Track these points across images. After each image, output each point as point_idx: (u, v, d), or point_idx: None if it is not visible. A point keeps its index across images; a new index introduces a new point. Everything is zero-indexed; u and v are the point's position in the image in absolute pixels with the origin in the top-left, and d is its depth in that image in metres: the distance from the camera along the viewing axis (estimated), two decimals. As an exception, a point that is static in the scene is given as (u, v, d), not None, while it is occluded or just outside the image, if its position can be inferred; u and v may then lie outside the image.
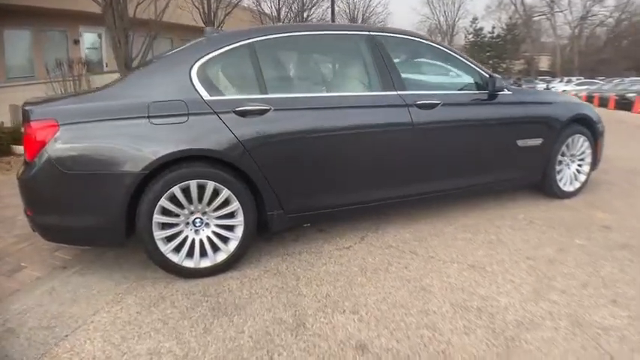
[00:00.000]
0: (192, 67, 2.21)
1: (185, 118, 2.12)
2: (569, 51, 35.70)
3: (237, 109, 2.19)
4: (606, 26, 35.10)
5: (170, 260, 2.16)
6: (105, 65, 11.50)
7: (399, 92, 2.54)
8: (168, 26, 9.15)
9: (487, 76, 2.78)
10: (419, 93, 2.59)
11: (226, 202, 2.21)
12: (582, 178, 3.22)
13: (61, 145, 2.02)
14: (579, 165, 3.23)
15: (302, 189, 2.38)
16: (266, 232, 2.43)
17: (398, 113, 2.49)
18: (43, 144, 2.02)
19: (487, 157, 2.82)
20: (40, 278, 2.31)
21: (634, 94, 13.70)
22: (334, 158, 2.42)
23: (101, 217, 2.10)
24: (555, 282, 2.13)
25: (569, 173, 3.17)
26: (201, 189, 2.16)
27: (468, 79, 2.81)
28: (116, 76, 9.07)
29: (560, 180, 3.10)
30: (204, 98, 2.18)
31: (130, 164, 2.04)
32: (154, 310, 1.98)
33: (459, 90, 2.78)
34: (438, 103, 2.57)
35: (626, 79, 19.72)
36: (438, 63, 2.81)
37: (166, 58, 2.47)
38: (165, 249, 2.15)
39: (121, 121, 2.06)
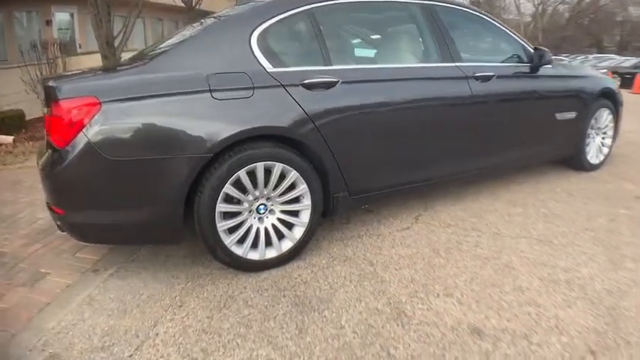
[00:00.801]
0: (251, 34, 1.92)
1: (250, 93, 1.84)
2: (533, 28, 36.75)
3: (304, 81, 1.95)
4: (568, 4, 36.63)
5: (234, 253, 1.91)
6: (78, 46, 10.35)
7: (457, 64, 2.42)
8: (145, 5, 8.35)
9: (531, 49, 2.75)
10: (475, 65, 2.48)
11: (292, 186, 1.98)
12: (605, 150, 3.34)
13: (104, 126, 1.67)
14: (603, 138, 3.33)
15: (368, 167, 2.20)
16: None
17: (460, 86, 2.37)
18: (79, 127, 1.66)
19: (532, 130, 2.81)
20: (71, 286, 1.96)
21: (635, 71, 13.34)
22: (401, 134, 2.25)
23: (156, 211, 1.79)
24: (623, 251, 2.17)
25: (595, 146, 3.27)
26: (267, 172, 1.92)
27: (514, 52, 2.74)
28: (94, 57, 8.19)
29: (588, 153, 3.19)
30: (268, 70, 1.91)
31: (191, 147, 1.74)
32: (227, 312, 1.73)
33: (504, 62, 2.71)
34: (492, 75, 2.48)
35: (590, 56, 20.64)
36: (485, 34, 2.72)
37: (218, 25, 2.12)
38: (229, 241, 1.89)
39: (177, 97, 1.74)
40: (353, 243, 2.29)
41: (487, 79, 2.46)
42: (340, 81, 2.01)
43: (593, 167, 3.23)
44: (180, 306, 1.79)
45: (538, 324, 1.63)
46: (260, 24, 1.97)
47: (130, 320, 1.71)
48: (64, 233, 1.95)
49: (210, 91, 1.77)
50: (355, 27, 2.44)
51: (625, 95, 4.17)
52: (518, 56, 2.74)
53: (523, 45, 2.74)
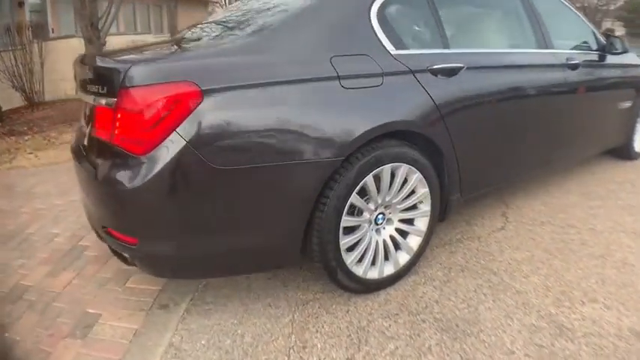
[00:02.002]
0: (370, 6, 1.59)
1: (380, 80, 1.52)
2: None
3: (433, 67, 1.66)
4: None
5: (355, 275, 1.60)
6: (51, 30, 9.02)
7: (556, 50, 2.26)
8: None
9: (602, 37, 2.65)
10: (565, 52, 2.34)
11: (413, 190, 1.71)
12: None
13: (208, 124, 1.26)
14: None
15: (483, 164, 1.96)
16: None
17: (560, 73, 2.21)
18: (172, 125, 1.24)
19: (601, 120, 2.72)
20: (142, 333, 1.53)
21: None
22: (517, 125, 2.05)
23: (273, 231, 1.42)
24: None
25: (639, 134, 3.30)
26: (391, 175, 1.61)
27: (586, 38, 2.62)
28: (71, 43, 7.00)
29: (635, 141, 3.19)
30: (392, 52, 1.60)
31: (320, 149, 1.39)
32: (369, 349, 1.42)
33: (581, 49, 2.57)
34: (579, 64, 2.36)
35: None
36: (563, 19, 2.57)
37: None
38: (350, 261, 1.57)
39: (300, 86, 1.38)
40: (457, 249, 2.05)
41: (575, 67, 2.32)
42: (465, 66, 1.75)
43: (638, 155, 3.26)
44: (304, 347, 1.45)
45: None
46: None
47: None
48: (133, 267, 1.52)
49: (339, 78, 1.42)
50: (467, 6, 2.16)
51: None
52: (589, 42, 2.63)
53: (593, 31, 2.65)
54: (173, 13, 9.44)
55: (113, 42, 5.37)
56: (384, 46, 1.57)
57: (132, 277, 1.86)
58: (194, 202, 1.32)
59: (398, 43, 1.62)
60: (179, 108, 1.24)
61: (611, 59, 2.64)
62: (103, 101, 1.37)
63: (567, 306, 1.64)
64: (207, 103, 1.26)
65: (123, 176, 1.31)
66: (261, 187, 1.36)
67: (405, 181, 1.65)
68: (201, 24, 2.16)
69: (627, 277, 1.82)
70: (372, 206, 1.60)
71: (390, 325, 1.54)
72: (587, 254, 2.00)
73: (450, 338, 1.47)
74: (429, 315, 1.59)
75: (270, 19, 1.54)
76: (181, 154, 1.25)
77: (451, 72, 1.71)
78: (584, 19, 2.60)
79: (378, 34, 1.57)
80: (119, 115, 1.28)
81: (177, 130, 1.24)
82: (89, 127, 1.62)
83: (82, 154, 1.70)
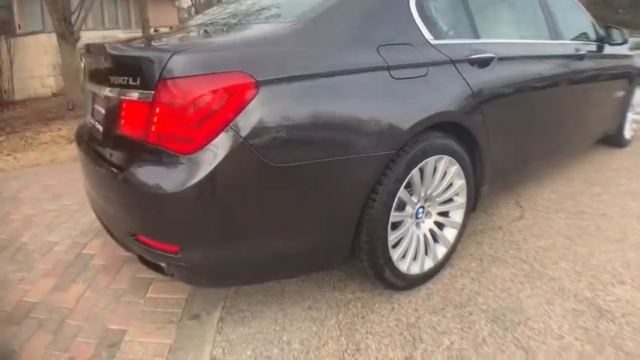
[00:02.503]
0: (411, -6, 1.54)
1: (425, 70, 1.48)
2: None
3: (470, 57, 1.64)
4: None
5: (399, 270, 1.57)
6: (18, 27, 8.31)
7: (564, 41, 2.31)
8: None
9: (600, 29, 2.74)
10: (575, 43, 2.40)
11: (451, 182, 1.69)
12: (634, 125, 3.53)
13: (265, 119, 1.17)
14: (634, 114, 3.49)
15: (511, 154, 1.98)
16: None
17: (574, 64, 2.27)
18: (225, 119, 1.14)
19: (601, 108, 2.82)
20: (178, 348, 1.41)
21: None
22: (540, 115, 2.08)
23: (327, 230, 1.36)
24: None
25: (629, 122, 3.44)
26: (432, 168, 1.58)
27: (586, 29, 2.69)
28: (40, 39, 6.42)
29: (625, 129, 3.34)
30: (431, 42, 1.56)
31: (375, 142, 1.33)
32: (425, 346, 1.39)
33: (581, 40, 2.63)
34: (585, 54, 2.42)
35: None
36: (568, 11, 2.62)
37: None
38: (396, 257, 1.54)
39: (353, 76, 1.31)
40: (483, 239, 2.07)
41: (582, 57, 2.39)
42: (496, 57, 1.74)
43: (626, 143, 3.42)
44: (358, 349, 1.40)
45: None
46: None
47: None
48: (169, 277, 1.38)
49: (389, 68, 1.37)
50: None
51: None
52: (589, 33, 2.71)
53: (592, 22, 2.73)
54: (143, 8, 9.00)
55: (83, 38, 5.04)
56: (423, 36, 1.54)
57: (151, 287, 1.74)
58: (249, 204, 1.23)
59: (436, 33, 1.59)
60: (233, 101, 1.14)
61: (607, 50, 2.75)
62: (135, 94, 1.24)
63: (600, 289, 1.69)
64: (262, 95, 1.17)
65: (164, 178, 1.19)
66: (318, 184, 1.30)
67: (445, 173, 1.64)
68: (211, 11, 2.04)
69: (651, 259, 1.90)
70: (415, 200, 1.58)
71: (439, 320, 1.52)
72: (605, 239, 2.07)
73: (501, 328, 1.48)
74: (475, 307, 1.59)
75: (311, 5, 1.45)
76: (236, 151, 1.15)
77: (485, 62, 1.71)
78: (584, 9, 2.69)
79: (418, 23, 1.53)
80: (158, 110, 1.17)
81: (230, 125, 1.14)
82: (105, 122, 1.48)
83: (94, 153, 1.56)
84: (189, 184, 1.14)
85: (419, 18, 1.54)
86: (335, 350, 1.40)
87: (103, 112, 1.53)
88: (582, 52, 2.39)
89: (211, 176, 1.15)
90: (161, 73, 1.13)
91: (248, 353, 1.40)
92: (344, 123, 1.29)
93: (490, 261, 1.89)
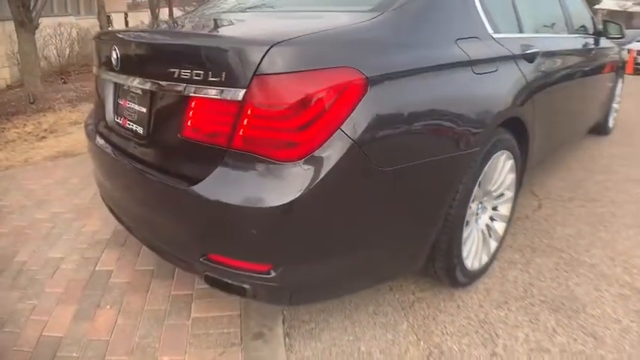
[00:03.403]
0: (474, -14, 1.48)
1: (495, 66, 1.45)
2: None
3: (525, 52, 1.64)
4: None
5: (465, 267, 1.55)
6: None
7: (577, 35, 2.40)
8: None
9: (598, 23, 2.87)
10: (585, 36, 2.49)
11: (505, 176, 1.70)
12: (614, 114, 3.80)
13: (374, 119, 1.07)
14: (615, 103, 3.76)
15: (545, 145, 2.03)
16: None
17: (585, 56, 2.38)
18: (336, 121, 1.03)
19: (600, 97, 2.97)
20: None
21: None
22: (564, 105, 2.15)
23: (416, 233, 1.31)
24: None
25: (612, 111, 3.69)
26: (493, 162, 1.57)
27: (587, 23, 2.78)
28: None
29: (610, 118, 3.59)
30: (494, 36, 1.53)
31: (468, 139, 1.30)
32: (500, 341, 1.40)
33: (585, 34, 2.71)
34: (592, 48, 2.54)
35: None
36: (574, 6, 2.69)
37: None
38: (466, 254, 1.53)
39: (446, 72, 1.26)
40: (515, 230, 2.11)
41: (590, 50, 2.50)
42: (540, 52, 1.75)
43: (609, 131, 3.68)
44: (441, 352, 1.37)
45: None
46: None
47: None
48: (245, 299, 1.24)
49: (471, 63, 1.32)
50: None
51: None
52: (588, 27, 2.80)
53: (592, 16, 2.86)
54: None
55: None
56: (486, 29, 1.51)
57: (193, 305, 1.55)
58: (355, 213, 1.13)
59: (495, 26, 1.57)
60: (343, 100, 1.03)
61: (603, 43, 2.91)
62: (212, 91, 1.08)
63: (636, 273, 1.79)
64: (372, 93, 1.07)
65: (260, 190, 1.04)
66: (417, 186, 1.24)
67: (503, 168, 1.65)
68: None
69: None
70: (480, 196, 1.57)
71: (506, 315, 1.54)
72: (623, 225, 2.20)
73: (565, 317, 1.53)
74: (534, 298, 1.63)
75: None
76: (347, 156, 1.04)
77: (533, 57, 1.72)
78: (585, 4, 2.81)
79: (481, 15, 1.50)
80: (250, 111, 1.03)
81: (341, 127, 1.03)
82: (152, 123, 1.31)
83: (128, 160, 1.38)
84: (294, 195, 1.01)
85: (481, 9, 1.51)
86: (419, 356, 1.36)
87: (144, 110, 1.35)
88: (591, 46, 2.51)
89: (321, 185, 1.02)
90: (257, 68, 0.99)
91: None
92: (442, 120, 1.24)
93: (530, 252, 1.95)
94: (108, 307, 1.55)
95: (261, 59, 0.99)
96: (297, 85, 1.00)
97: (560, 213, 2.32)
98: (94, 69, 1.69)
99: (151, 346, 1.36)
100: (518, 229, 2.13)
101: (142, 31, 1.30)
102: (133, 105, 1.43)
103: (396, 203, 1.20)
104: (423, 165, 1.20)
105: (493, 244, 1.75)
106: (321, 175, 1.02)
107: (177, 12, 15.82)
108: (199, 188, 1.09)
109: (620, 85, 3.62)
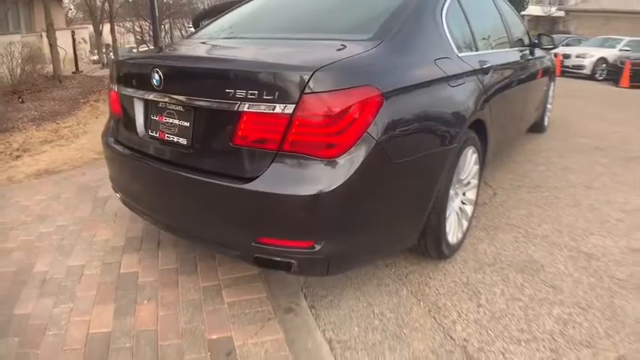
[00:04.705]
0: (442, 11, 1.86)
1: (463, 80, 1.84)
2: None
3: (484, 67, 2.04)
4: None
5: (448, 241, 1.90)
6: None
7: (518, 48, 2.88)
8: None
9: (533, 37, 3.38)
10: (524, 48, 2.99)
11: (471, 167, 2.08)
12: (548, 114, 4.41)
13: (389, 123, 1.41)
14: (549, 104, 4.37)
15: (497, 142, 2.43)
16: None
17: (524, 66, 2.85)
18: (364, 126, 1.34)
19: (537, 100, 3.48)
20: (293, 340, 1.49)
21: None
22: (509, 110, 2.58)
23: (418, 212, 1.67)
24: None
25: (547, 111, 4.28)
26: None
27: (523, 36, 3.25)
28: None
29: (545, 118, 4.18)
30: (458, 55, 1.90)
31: (452, 136, 1.69)
32: (483, 296, 1.73)
33: (522, 46, 3.16)
34: (530, 58, 3.04)
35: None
36: (512, 20, 3.08)
37: None
38: (448, 229, 1.88)
39: (434, 86, 1.66)
40: (478, 214, 2.48)
41: (528, 60, 3.00)
42: (493, 65, 2.17)
43: (546, 129, 4.28)
44: (439, 307, 1.70)
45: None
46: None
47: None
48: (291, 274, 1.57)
49: (447, 78, 1.70)
50: (476, 9, 2.48)
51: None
52: (524, 39, 3.28)
53: (527, 30, 3.38)
54: (47, 10, 7.86)
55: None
56: (453, 49, 1.89)
57: (224, 292, 1.75)
58: (377, 195, 1.46)
59: (459, 47, 1.95)
60: (368, 111, 1.35)
61: (537, 53, 3.44)
62: (262, 107, 1.33)
63: (579, 240, 2.23)
64: (387, 104, 1.41)
65: (308, 181, 1.31)
66: (420, 174, 1.61)
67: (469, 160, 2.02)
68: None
69: (600, 216, 2.51)
70: (455, 183, 1.92)
71: (483, 277, 1.89)
72: (565, 205, 2.67)
73: (529, 275, 1.91)
74: (502, 263, 2.00)
75: (369, 16, 1.74)
76: (372, 152, 1.36)
77: (488, 70, 2.13)
78: (520, 19, 3.33)
79: (449, 38, 1.87)
80: (297, 122, 1.30)
81: (367, 130, 1.35)
82: (198, 134, 1.51)
83: (174, 167, 1.57)
84: (336, 184, 1.30)
85: (448, 33, 1.88)
86: (422, 312, 1.67)
87: (187, 124, 1.56)
88: (529, 57, 3.02)
89: (355, 174, 1.33)
90: (304, 89, 1.27)
91: (356, 329, 1.58)
92: (435, 123, 1.64)
93: (493, 229, 2.34)
94: (145, 302, 1.70)
95: (308, 81, 1.28)
96: (334, 101, 1.30)
97: (512, 198, 2.76)
98: (114, 87, 1.86)
99: (198, 329, 1.55)
100: (480, 213, 2.53)
101: (183, 56, 1.51)
102: (171, 120, 1.62)
103: (404, 187, 1.54)
104: (422, 157, 1.57)
105: (465, 224, 2.12)
106: (355, 168, 1.32)
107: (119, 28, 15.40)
108: (255, 184, 1.34)
109: (552, 87, 4.25)
